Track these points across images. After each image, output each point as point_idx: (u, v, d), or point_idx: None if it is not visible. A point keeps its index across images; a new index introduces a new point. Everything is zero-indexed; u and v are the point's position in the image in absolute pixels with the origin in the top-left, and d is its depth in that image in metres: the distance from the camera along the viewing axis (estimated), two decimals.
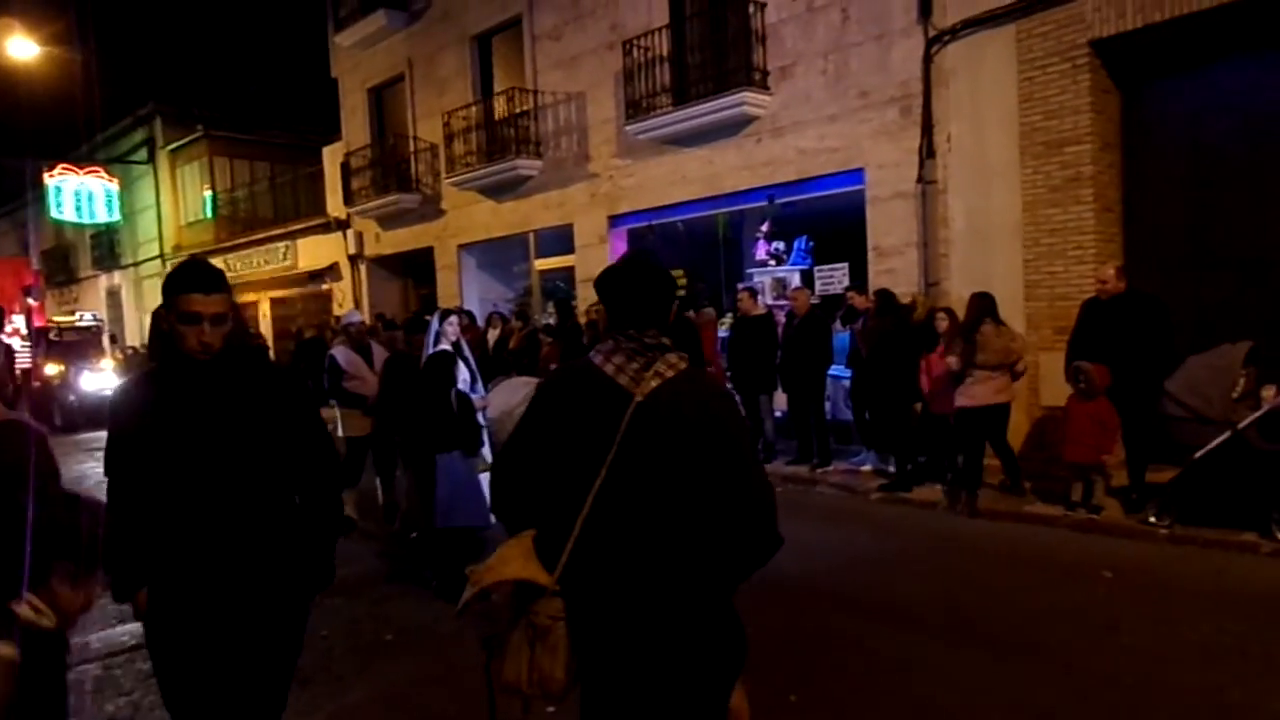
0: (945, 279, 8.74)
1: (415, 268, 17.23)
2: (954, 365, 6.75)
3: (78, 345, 18.71)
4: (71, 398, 17.07)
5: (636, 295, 2.22)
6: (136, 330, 25.56)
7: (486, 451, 5.85)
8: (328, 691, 4.21)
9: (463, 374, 6.03)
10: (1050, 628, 4.53)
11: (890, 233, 9.30)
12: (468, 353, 6.34)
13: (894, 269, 9.20)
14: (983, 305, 6.86)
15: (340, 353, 7.40)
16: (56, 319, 21.32)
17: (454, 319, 6.25)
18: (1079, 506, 6.39)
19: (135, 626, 5.27)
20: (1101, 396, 6.16)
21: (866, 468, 8.28)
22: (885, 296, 7.87)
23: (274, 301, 21.66)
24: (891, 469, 7.88)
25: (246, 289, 22.01)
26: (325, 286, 19.03)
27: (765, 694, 3.91)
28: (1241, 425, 5.58)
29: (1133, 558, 5.60)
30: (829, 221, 10.88)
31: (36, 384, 17.59)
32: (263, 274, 21.18)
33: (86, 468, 11.84)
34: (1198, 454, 5.75)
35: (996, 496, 7.11)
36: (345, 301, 18.15)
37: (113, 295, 28.35)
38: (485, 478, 5.83)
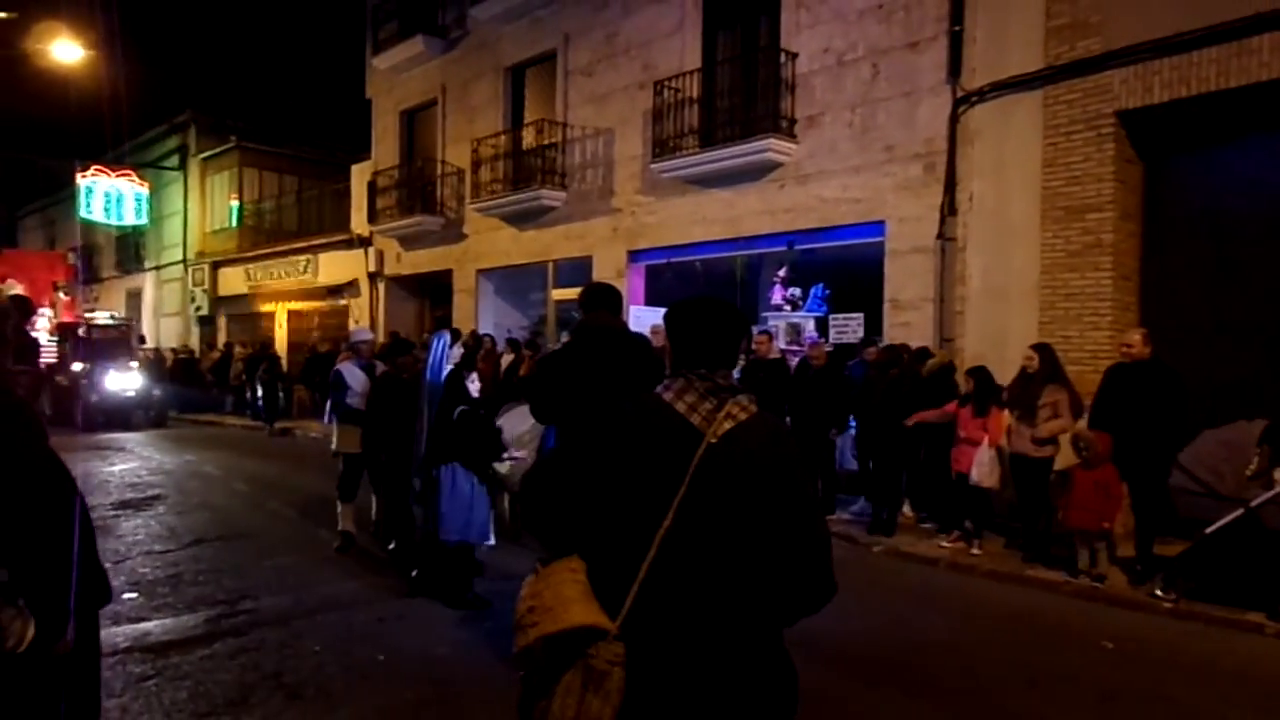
0: (960, 336, 8.76)
1: (433, 289, 17.40)
2: (1063, 426, 6.69)
3: (106, 344, 18.26)
4: (95, 397, 16.80)
5: (712, 334, 2.19)
6: (154, 333, 25.83)
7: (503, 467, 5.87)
8: (316, 708, 4.20)
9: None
10: (1046, 694, 4.47)
11: (907, 286, 9.35)
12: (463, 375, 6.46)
13: (909, 322, 9.23)
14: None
15: (346, 369, 7.46)
16: (87, 315, 21.28)
17: (456, 345, 6.29)
18: (1082, 574, 6.33)
19: (132, 627, 5.30)
20: (1107, 464, 6.13)
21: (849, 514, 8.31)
22: (891, 350, 7.90)
23: (291, 313, 21.85)
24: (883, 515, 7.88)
25: (265, 298, 22.24)
26: (343, 302, 19.21)
27: None
28: (1254, 503, 5.54)
29: (1135, 629, 5.53)
30: (846, 271, 10.96)
31: (60, 380, 17.35)
32: (282, 285, 21.41)
33: (94, 468, 11.90)
34: (1208, 529, 5.70)
35: (999, 558, 7.06)
36: (362, 318, 18.32)
37: (133, 297, 28.68)
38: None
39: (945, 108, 9.01)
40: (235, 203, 24.01)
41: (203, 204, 25.43)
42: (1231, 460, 5.73)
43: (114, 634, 5.12)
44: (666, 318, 2.30)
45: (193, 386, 19.95)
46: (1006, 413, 7.22)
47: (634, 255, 12.78)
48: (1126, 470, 6.13)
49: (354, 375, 7.36)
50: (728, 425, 2.07)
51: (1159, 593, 5.87)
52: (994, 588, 6.54)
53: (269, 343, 20.49)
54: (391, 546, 6.65)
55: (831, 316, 10.70)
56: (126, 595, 5.91)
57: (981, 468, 7.19)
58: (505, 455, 5.87)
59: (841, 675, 4.72)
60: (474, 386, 5.90)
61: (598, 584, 2.08)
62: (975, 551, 7.21)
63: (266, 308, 22.36)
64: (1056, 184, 8.06)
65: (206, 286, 24.42)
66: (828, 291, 11.46)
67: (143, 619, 5.48)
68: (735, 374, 8.60)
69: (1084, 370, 7.49)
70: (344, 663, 4.77)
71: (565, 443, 2.25)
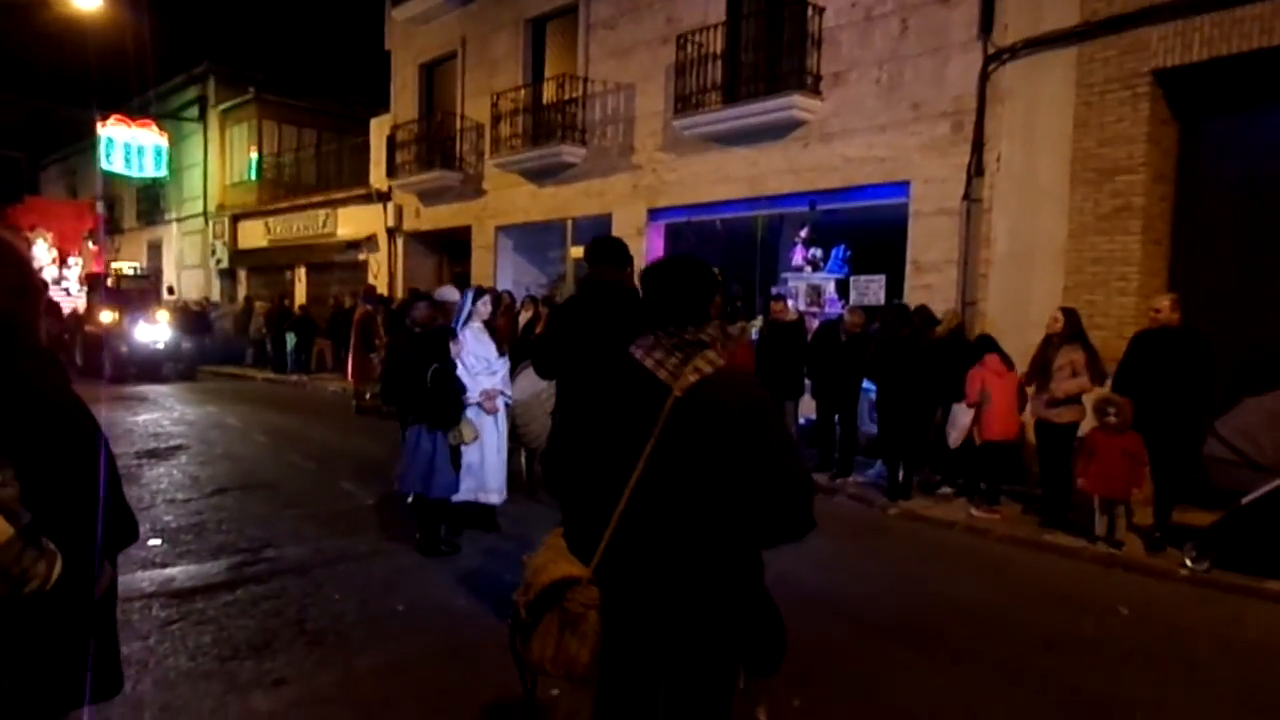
0: (983, 300, 8.65)
1: (452, 245, 17.36)
2: (1082, 385, 6.63)
3: (135, 295, 18.18)
4: (124, 348, 16.81)
5: (679, 291, 2.29)
6: (176, 285, 25.94)
7: (469, 427, 5.85)
8: (337, 655, 4.27)
9: (478, 352, 6.10)
10: (1062, 658, 4.48)
11: (931, 248, 9.22)
12: (495, 329, 6.45)
13: (931, 285, 9.12)
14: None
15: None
16: (115, 265, 21.33)
17: (486, 297, 6.31)
18: (1100, 540, 6.30)
19: (157, 573, 5.40)
20: (1131, 430, 6.06)
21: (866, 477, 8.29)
22: (900, 310, 7.83)
23: (310, 268, 21.89)
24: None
25: (285, 252, 22.29)
26: (362, 257, 19.21)
27: (770, 700, 3.91)
28: None
29: (1151, 596, 5.52)
30: (869, 232, 10.81)
31: (90, 329, 17.40)
32: (301, 238, 21.43)
33: (118, 417, 12.07)
34: (1245, 500, 5.61)
35: (1016, 522, 7.04)
36: (381, 273, 18.34)
37: (154, 249, 28.84)
38: (472, 450, 5.95)
39: (975, 65, 8.80)
40: (254, 155, 23.97)
41: (222, 156, 25.40)
42: (1271, 430, 5.62)
43: (139, 579, 5.23)
44: (641, 278, 2.41)
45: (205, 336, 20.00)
46: (991, 367, 7.19)
47: (654, 214, 12.66)
48: (1149, 437, 6.06)
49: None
50: (693, 378, 2.18)
51: (1189, 562, 5.79)
52: (1010, 552, 6.53)
53: (287, 297, 20.55)
54: (410, 499, 6.72)
55: (853, 278, 10.58)
56: (151, 542, 6.01)
57: (950, 423, 7.16)
58: (462, 423, 5.85)
59: (857, 634, 4.76)
60: (455, 349, 5.88)
61: (577, 535, 2.26)
62: (975, 513, 7.20)
63: (286, 261, 22.42)
64: (1088, 145, 7.87)
65: (227, 239, 24.49)
66: (849, 253, 11.34)
67: (167, 565, 5.59)
68: (754, 335, 8.56)
69: (1108, 336, 7.39)
70: (364, 612, 4.85)
71: (560, 404, 2.37)
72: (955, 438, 7.27)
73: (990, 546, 6.68)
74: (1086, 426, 6.68)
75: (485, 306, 6.23)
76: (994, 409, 7.11)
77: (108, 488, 2.66)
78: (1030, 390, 7.01)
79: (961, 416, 7.23)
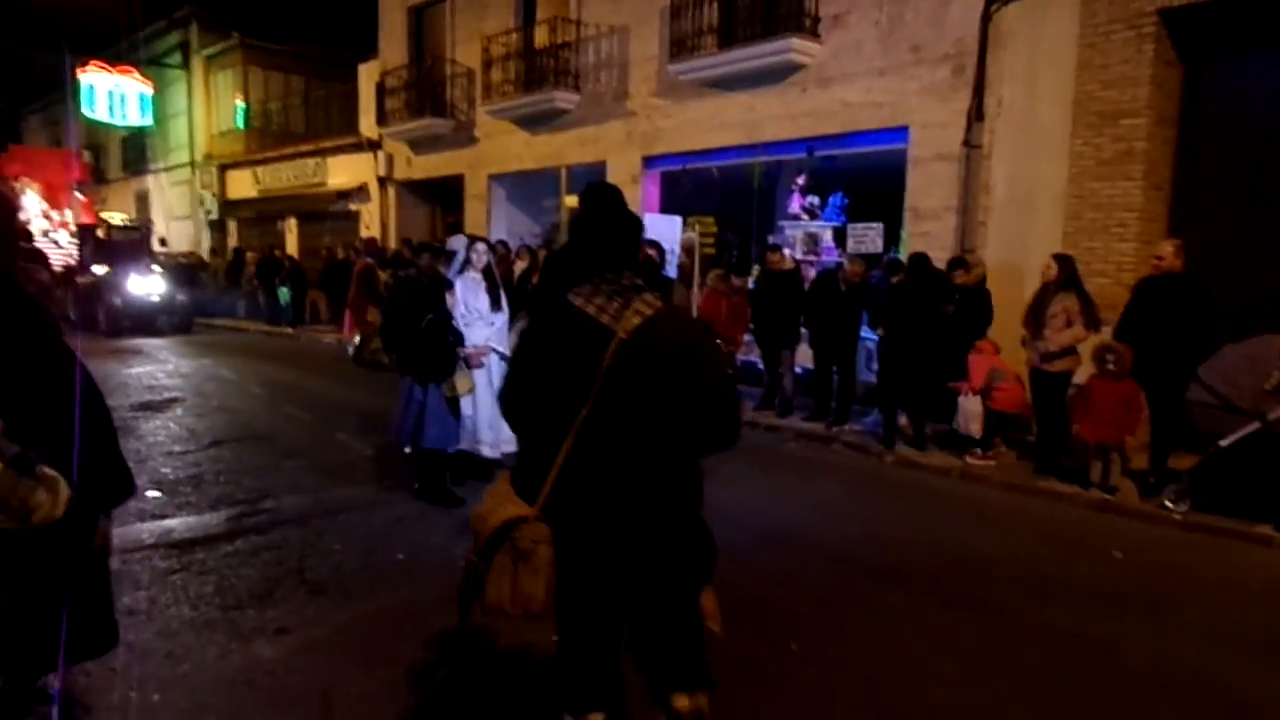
0: (981, 247, 8.58)
1: (444, 194, 17.14)
2: (1076, 337, 6.61)
3: (126, 246, 17.83)
4: (118, 300, 16.57)
5: (609, 240, 2.41)
6: (165, 237, 25.64)
7: (464, 379, 5.82)
8: (338, 604, 4.30)
9: (471, 302, 6.05)
10: (1056, 602, 4.54)
11: (929, 195, 9.13)
12: (498, 280, 6.37)
13: (929, 232, 9.05)
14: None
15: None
16: (105, 216, 20.94)
17: (481, 245, 6.24)
18: (1094, 486, 6.35)
19: (156, 524, 5.41)
20: (1129, 378, 6.07)
21: (862, 425, 8.32)
22: (918, 260, 7.74)
23: (301, 219, 21.64)
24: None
25: (274, 203, 22.01)
26: (353, 207, 18.99)
27: (767, 642, 3.96)
28: (1272, 417, 5.50)
29: (1145, 540, 5.58)
30: (866, 179, 10.70)
31: (82, 282, 17.12)
32: (291, 188, 21.15)
33: (112, 370, 12.01)
34: (1223, 442, 5.68)
35: (1011, 469, 7.09)
36: (373, 223, 18.14)
37: (141, 199, 28.45)
38: (465, 402, 5.93)
39: (977, 6, 8.60)
40: (241, 103, 23.50)
41: (208, 104, 24.91)
42: (1252, 374, 5.65)
43: (139, 530, 5.24)
44: (569, 229, 2.49)
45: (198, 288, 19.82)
46: (988, 351, 7.18)
47: (649, 161, 12.49)
48: (1147, 384, 6.07)
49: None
50: (636, 321, 2.30)
51: (1168, 504, 5.90)
52: (1005, 498, 6.59)
53: (278, 248, 20.34)
54: (408, 450, 6.72)
55: (850, 226, 10.48)
56: (149, 494, 6.02)
57: (962, 418, 7.18)
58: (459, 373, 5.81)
59: (854, 579, 4.80)
60: (451, 300, 5.82)
61: (525, 477, 2.37)
62: (971, 460, 7.24)
63: (276, 212, 22.15)
64: (1091, 88, 7.73)
65: (215, 190, 24.16)
66: (846, 200, 11.23)
67: (166, 516, 5.60)
68: (751, 285, 8.52)
69: (1106, 284, 7.36)
70: (364, 561, 4.88)
71: (514, 354, 2.56)
72: (976, 429, 7.25)
73: (986, 493, 6.73)
74: (1081, 374, 6.68)
75: (480, 255, 6.16)
76: (1002, 391, 7.14)
77: (102, 440, 2.63)
78: (1025, 338, 6.99)
79: (972, 406, 7.21)
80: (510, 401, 2.49)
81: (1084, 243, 7.72)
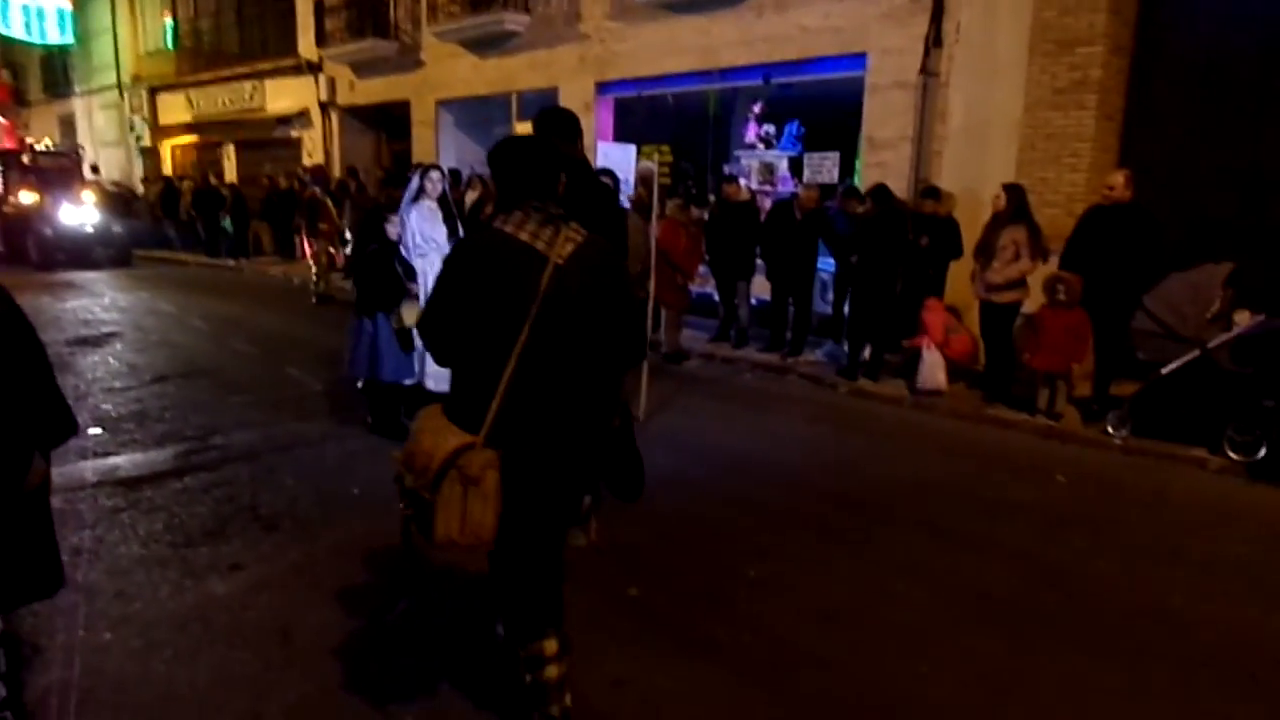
0: (936, 177, 8.57)
1: (390, 121, 16.54)
2: (1021, 270, 6.65)
3: (55, 173, 16.89)
4: (49, 231, 15.80)
5: (533, 170, 2.47)
6: (97, 164, 24.43)
7: (411, 311, 5.71)
8: (293, 539, 4.25)
9: (425, 232, 5.89)
10: (1003, 523, 4.68)
11: (886, 124, 9.05)
12: (453, 210, 6.20)
13: (885, 162, 9.00)
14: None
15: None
16: (31, 141, 19.72)
17: (435, 173, 6.04)
18: (1040, 413, 6.52)
19: (100, 462, 5.26)
20: (1077, 307, 6.18)
21: (817, 356, 8.36)
22: (879, 191, 7.71)
23: (239, 146, 20.75)
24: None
25: (211, 129, 21.05)
26: (295, 134, 18.24)
27: (724, 569, 4.03)
28: (1211, 345, 5.66)
29: (1087, 465, 5.77)
30: (823, 108, 10.55)
31: (9, 211, 16.28)
32: (227, 113, 20.20)
33: (44, 304, 11.54)
34: (1164, 370, 5.84)
35: (960, 398, 7.23)
36: (315, 151, 17.47)
37: (66, 124, 26.95)
38: (415, 335, 5.82)
39: None
40: (169, 20, 22.19)
41: (133, 21, 23.45)
42: (1195, 302, 5.81)
43: (81, 469, 5.09)
44: (489, 159, 2.56)
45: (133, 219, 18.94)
46: (938, 310, 7.25)
47: (602, 87, 12.15)
48: (1094, 313, 6.19)
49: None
50: (569, 248, 2.40)
51: (1110, 430, 6.09)
52: (955, 426, 6.74)
53: (215, 176, 19.53)
54: (360, 384, 6.61)
55: (806, 155, 10.39)
56: (91, 431, 5.84)
57: (923, 372, 7.26)
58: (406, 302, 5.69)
59: (809, 504, 4.89)
60: (392, 229, 5.65)
61: (466, 402, 2.39)
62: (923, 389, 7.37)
63: (213, 138, 21.19)
64: (1048, 15, 7.66)
65: (146, 114, 22.96)
66: (803, 130, 11.08)
67: (110, 454, 5.44)
68: (705, 216, 8.40)
69: (1056, 214, 7.42)
70: (318, 496, 4.81)
71: (438, 279, 2.54)
72: (942, 379, 7.28)
73: (936, 421, 6.87)
74: (1030, 304, 6.79)
75: (435, 184, 5.97)
76: (956, 340, 7.26)
77: (37, 378, 2.50)
78: (974, 270, 7.04)
79: (935, 358, 7.25)
80: (435, 328, 2.48)
81: (1037, 173, 7.76)
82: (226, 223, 17.25)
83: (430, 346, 2.54)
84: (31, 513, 2.58)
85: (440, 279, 2.50)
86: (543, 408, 2.38)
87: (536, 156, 2.52)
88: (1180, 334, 5.82)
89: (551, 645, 2.56)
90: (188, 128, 21.95)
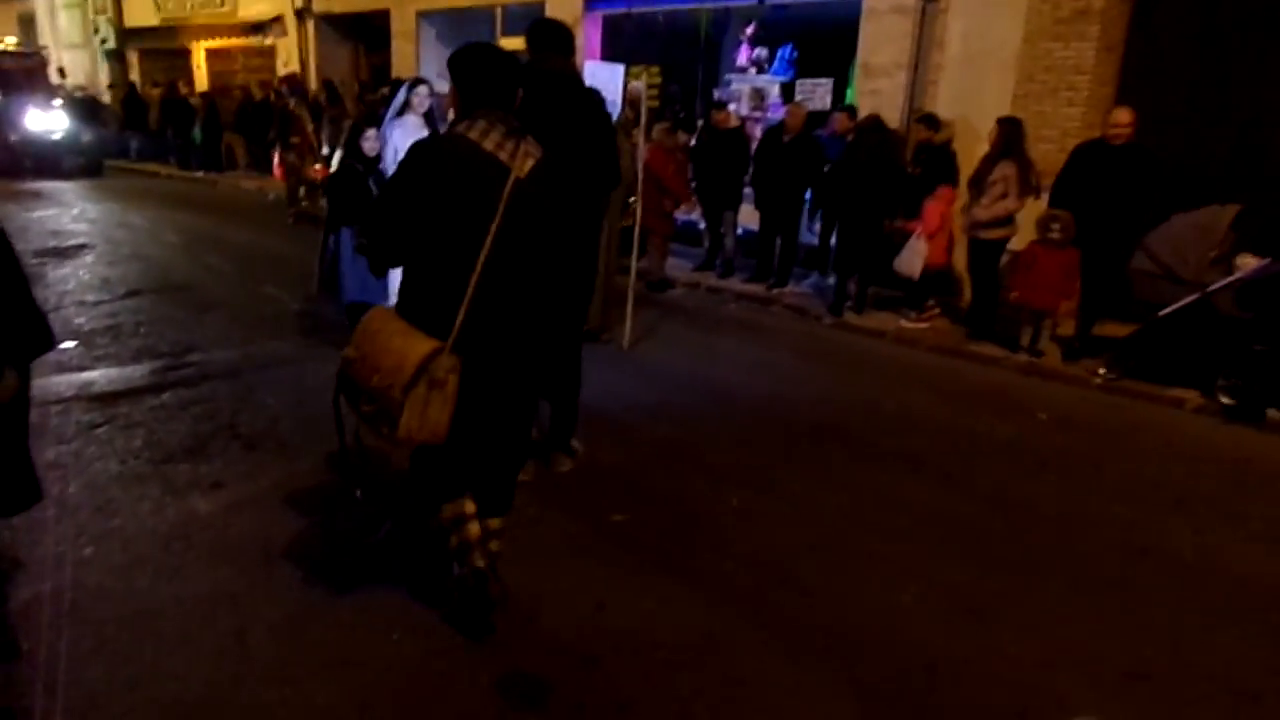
0: (932, 107, 8.40)
1: (369, 32, 15.90)
2: (1007, 209, 6.55)
3: (20, 75, 15.95)
4: (14, 137, 15.08)
5: (494, 78, 2.54)
6: (64, 67, 23.42)
7: None
8: (274, 459, 4.22)
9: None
10: (983, 460, 4.74)
11: (881, 51, 8.82)
12: (439, 129, 5.98)
13: (879, 90, 8.80)
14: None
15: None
16: None
17: (423, 88, 5.83)
18: (1023, 350, 6.55)
19: (74, 376, 5.16)
20: (1069, 245, 6.14)
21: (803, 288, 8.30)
22: (875, 120, 7.55)
23: (210, 53, 19.92)
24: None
25: (181, 34, 20.18)
26: (268, 41, 17.52)
27: (707, 498, 4.05)
28: (1212, 288, 5.61)
29: (1068, 403, 5.82)
30: (818, 32, 10.27)
31: None
32: (197, 17, 19.33)
33: (9, 213, 11.18)
34: (1163, 312, 5.80)
35: (943, 333, 7.24)
36: (290, 60, 16.82)
37: (26, 24, 25.68)
38: None
39: None
40: None
41: None
42: (1198, 244, 5.73)
43: (55, 383, 4.99)
44: (451, 64, 2.62)
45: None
46: (946, 199, 7.13)
47: (591, 3, 11.71)
48: (1085, 251, 6.15)
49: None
50: (529, 163, 2.49)
51: (1102, 371, 6.09)
52: (937, 361, 6.76)
53: (185, 84, 18.78)
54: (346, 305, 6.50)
55: (799, 81, 10.15)
56: (65, 344, 5.70)
57: (904, 256, 7.18)
58: None
59: (789, 436, 4.91)
60: (368, 144, 5.46)
61: (425, 308, 2.50)
62: (905, 324, 7.35)
63: (182, 44, 20.32)
64: None
65: (111, 15, 21.91)
66: (796, 54, 10.81)
67: (85, 368, 5.34)
68: (692, 142, 8.21)
69: (1050, 149, 7.32)
70: (298, 415, 4.75)
71: (394, 178, 2.63)
72: (917, 270, 7.19)
73: (919, 356, 6.89)
74: (1018, 240, 6.75)
75: (421, 99, 5.75)
76: (936, 241, 7.14)
77: (11, 288, 2.41)
78: (965, 204, 6.96)
79: (919, 246, 7.14)
80: (387, 228, 2.52)
81: (1033, 106, 7.62)
82: (196, 133, 16.66)
83: (375, 247, 2.59)
84: (4, 427, 2.51)
85: (397, 179, 2.53)
86: (502, 317, 2.53)
87: (498, 65, 2.56)
88: (1181, 276, 5.76)
89: (470, 505, 2.76)
90: (155, 31, 21.00)
